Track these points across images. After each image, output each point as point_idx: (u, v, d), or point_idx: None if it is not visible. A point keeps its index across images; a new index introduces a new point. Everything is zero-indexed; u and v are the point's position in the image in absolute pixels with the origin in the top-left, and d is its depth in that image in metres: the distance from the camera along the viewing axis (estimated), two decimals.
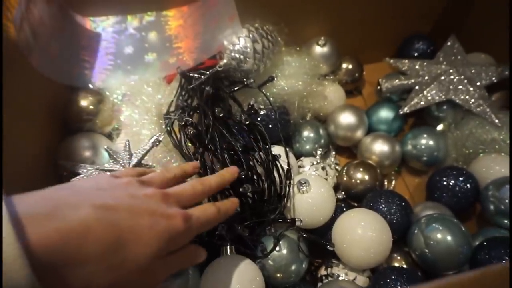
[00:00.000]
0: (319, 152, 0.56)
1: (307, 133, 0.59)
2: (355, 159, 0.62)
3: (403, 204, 0.47)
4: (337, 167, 0.58)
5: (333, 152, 0.62)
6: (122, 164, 0.39)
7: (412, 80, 0.62)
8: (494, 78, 0.59)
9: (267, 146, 0.43)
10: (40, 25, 0.47)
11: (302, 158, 0.55)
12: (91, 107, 0.48)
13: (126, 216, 0.24)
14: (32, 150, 0.43)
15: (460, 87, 0.59)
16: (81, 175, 0.39)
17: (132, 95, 0.46)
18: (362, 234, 0.42)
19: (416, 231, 0.45)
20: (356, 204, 0.53)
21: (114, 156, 0.40)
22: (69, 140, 0.45)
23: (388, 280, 0.41)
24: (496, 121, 0.55)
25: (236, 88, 0.49)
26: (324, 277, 0.45)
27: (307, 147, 0.58)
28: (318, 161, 0.54)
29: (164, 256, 0.27)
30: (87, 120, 0.47)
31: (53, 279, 0.21)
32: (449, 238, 0.43)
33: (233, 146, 0.41)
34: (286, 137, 0.57)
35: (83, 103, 0.48)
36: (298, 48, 0.59)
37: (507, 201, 0.46)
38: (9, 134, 0.37)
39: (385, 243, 0.42)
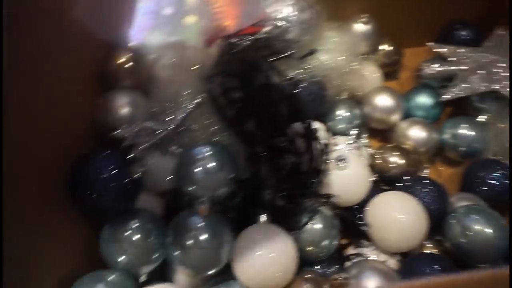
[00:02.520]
0: (353, 132, 0.55)
1: (341, 112, 0.57)
2: (386, 142, 0.60)
3: (441, 192, 0.46)
4: (369, 150, 0.56)
5: (365, 134, 0.60)
6: (164, 124, 0.39)
7: (456, 67, 0.60)
8: None
9: (309, 119, 0.42)
10: None
11: (336, 136, 0.54)
12: (130, 64, 0.47)
13: None
14: (71, 106, 0.42)
15: (507, 79, 0.57)
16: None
17: (174, 55, 0.45)
18: (398, 217, 0.41)
19: (453, 221, 0.43)
20: (387, 188, 0.52)
21: (156, 116, 0.39)
22: (107, 97, 0.45)
23: (420, 266, 0.41)
24: None
25: (277, 58, 0.47)
26: (352, 256, 0.45)
27: (341, 126, 0.56)
28: (353, 141, 0.53)
29: None
30: (125, 77, 0.46)
31: None
32: (488, 230, 0.41)
33: (275, 115, 0.39)
34: (320, 114, 0.56)
35: (122, 60, 0.47)
36: (341, 24, 0.57)
37: None
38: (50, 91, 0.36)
39: (421, 228, 0.41)
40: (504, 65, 0.57)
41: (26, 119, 0.33)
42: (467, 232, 0.42)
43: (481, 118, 0.57)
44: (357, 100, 0.60)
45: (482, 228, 0.41)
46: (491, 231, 0.41)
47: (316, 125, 0.44)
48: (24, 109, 0.33)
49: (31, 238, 0.33)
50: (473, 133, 0.55)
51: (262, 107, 0.40)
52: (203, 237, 0.36)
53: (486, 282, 0.26)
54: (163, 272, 0.43)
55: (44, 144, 0.35)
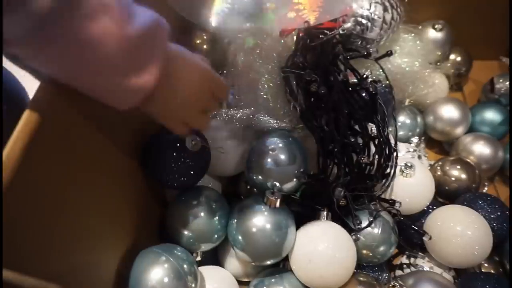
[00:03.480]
0: (415, 140, 0.53)
1: (403, 118, 0.56)
2: (443, 155, 0.59)
3: (505, 212, 0.45)
4: (427, 160, 0.55)
5: (423, 144, 0.59)
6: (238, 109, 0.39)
7: None
8: None
9: (384, 122, 0.41)
10: None
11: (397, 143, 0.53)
12: (206, 46, 0.47)
13: None
14: None
15: None
16: None
17: (254, 42, 0.45)
18: (462, 232, 0.40)
19: None
20: (443, 201, 0.51)
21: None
22: None
23: (477, 284, 0.40)
24: None
25: (355, 56, 0.46)
26: (405, 266, 0.44)
27: (401, 132, 0.55)
28: (415, 149, 0.52)
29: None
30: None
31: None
32: None
33: (353, 113, 0.39)
34: (385, 117, 0.55)
35: (198, 40, 0.48)
36: (417, 27, 0.55)
37: None
38: None
39: (486, 246, 0.40)
40: None
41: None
42: None
43: None
44: (419, 108, 0.59)
45: None
46: None
47: (390, 129, 0.43)
48: None
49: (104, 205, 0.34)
50: None
51: (339, 104, 0.40)
52: (268, 227, 0.36)
53: None
54: (215, 255, 0.44)
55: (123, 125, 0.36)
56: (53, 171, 0.26)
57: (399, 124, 0.56)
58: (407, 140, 0.54)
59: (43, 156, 0.25)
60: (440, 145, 0.60)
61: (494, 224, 0.44)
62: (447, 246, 0.40)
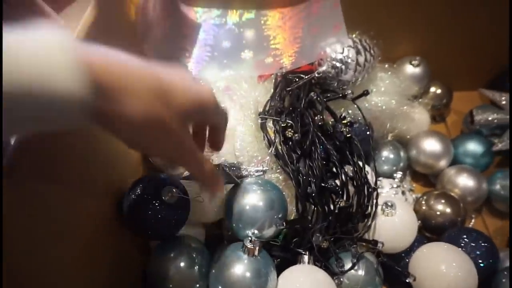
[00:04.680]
0: (398, 175, 0.54)
1: (386, 154, 0.57)
2: (431, 188, 0.59)
3: (490, 247, 0.44)
4: (413, 194, 0.55)
5: (409, 178, 0.59)
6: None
7: (509, 116, 0.58)
8: None
9: (361, 162, 0.42)
10: (152, 9, 0.49)
11: (381, 179, 0.53)
12: None
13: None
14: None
15: None
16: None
17: (231, 90, 0.46)
18: (446, 271, 0.40)
19: (504, 280, 0.42)
20: (429, 235, 0.51)
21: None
22: None
23: None
24: None
25: (332, 98, 0.48)
26: None
27: (385, 167, 0.56)
28: (398, 185, 0.52)
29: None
30: None
31: (106, 101, 0.21)
32: None
33: (329, 155, 0.40)
34: (366, 155, 0.56)
35: None
36: (392, 65, 0.57)
37: None
38: None
39: (470, 285, 0.40)
40: None
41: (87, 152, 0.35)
42: None
43: None
44: (402, 143, 0.60)
45: None
46: None
47: (367, 168, 0.44)
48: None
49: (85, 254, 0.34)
50: None
51: (316, 147, 0.41)
52: (248, 275, 0.36)
53: None
54: None
55: (101, 171, 0.37)
56: (25, 222, 0.26)
57: (382, 159, 0.56)
58: (391, 175, 0.55)
59: (15, 208, 0.25)
60: (426, 177, 0.61)
61: (480, 261, 0.43)
62: (432, 286, 0.40)
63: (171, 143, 0.25)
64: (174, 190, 0.36)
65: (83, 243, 0.33)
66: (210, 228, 0.48)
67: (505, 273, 0.42)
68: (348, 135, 0.41)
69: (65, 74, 0.19)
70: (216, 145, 0.33)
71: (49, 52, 0.18)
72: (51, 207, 0.29)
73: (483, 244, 0.44)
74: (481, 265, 0.43)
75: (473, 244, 0.44)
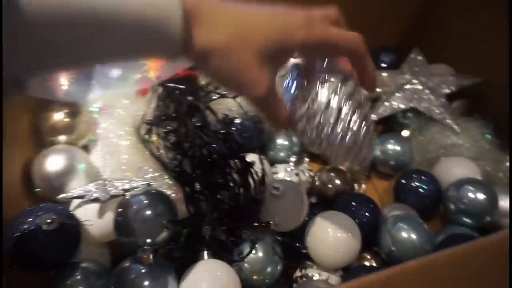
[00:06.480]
0: (292, 159, 0.58)
1: (281, 141, 0.61)
2: (327, 165, 0.65)
3: (372, 206, 0.50)
4: (310, 173, 0.60)
5: (306, 159, 0.64)
6: (105, 190, 0.40)
7: (379, 90, 0.66)
8: (453, 88, 0.64)
9: (242, 154, 0.45)
10: None
11: (276, 165, 0.58)
12: (66, 119, 0.48)
13: None
14: (10, 167, 0.43)
15: (423, 95, 0.63)
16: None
17: (109, 108, 0.47)
18: (333, 235, 0.44)
19: (383, 231, 0.48)
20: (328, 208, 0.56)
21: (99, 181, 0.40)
22: (44, 154, 0.46)
23: (360, 274, 0.44)
24: (455, 127, 0.60)
25: (212, 98, 0.50)
26: (299, 278, 0.47)
27: (282, 154, 0.60)
28: (292, 168, 0.57)
29: None
30: (62, 133, 0.47)
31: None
32: (413, 236, 0.46)
33: (210, 154, 0.42)
34: (260, 145, 0.60)
35: (58, 116, 0.48)
36: None
37: (465, 200, 0.50)
38: None
39: (354, 243, 0.45)
40: (419, 84, 0.64)
41: None
42: (395, 240, 0.46)
43: (405, 133, 0.63)
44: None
45: (408, 235, 0.46)
46: (415, 236, 0.45)
47: (253, 158, 0.47)
48: None
49: None
50: (399, 147, 0.60)
51: (197, 147, 0.43)
52: (147, 284, 0.37)
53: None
54: None
55: None
56: None
57: (278, 146, 0.61)
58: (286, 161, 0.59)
59: None
60: (322, 157, 0.66)
61: (363, 219, 0.49)
62: (324, 251, 0.45)
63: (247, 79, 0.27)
64: (53, 217, 0.36)
65: None
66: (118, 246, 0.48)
67: (384, 225, 0.48)
68: (223, 131, 0.44)
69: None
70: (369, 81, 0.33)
71: None
72: None
73: (364, 203, 0.50)
74: (365, 222, 0.49)
75: (357, 206, 0.50)
